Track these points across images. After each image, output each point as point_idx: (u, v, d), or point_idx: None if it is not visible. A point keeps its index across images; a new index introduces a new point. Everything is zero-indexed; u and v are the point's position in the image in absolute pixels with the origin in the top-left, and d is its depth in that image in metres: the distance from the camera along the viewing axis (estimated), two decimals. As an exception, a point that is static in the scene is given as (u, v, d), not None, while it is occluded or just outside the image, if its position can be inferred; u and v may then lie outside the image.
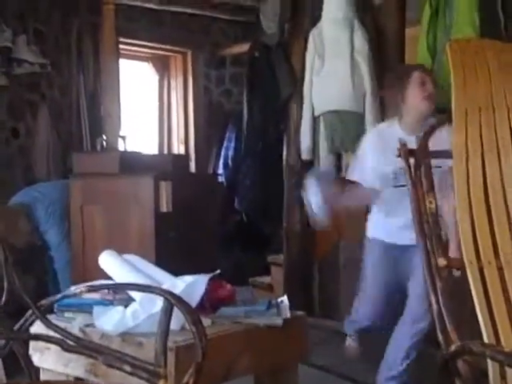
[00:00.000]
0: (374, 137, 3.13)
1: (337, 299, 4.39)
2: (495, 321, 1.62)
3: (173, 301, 1.83)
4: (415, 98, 2.94)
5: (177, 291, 1.98)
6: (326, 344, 3.87)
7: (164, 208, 3.38)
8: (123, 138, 4.89)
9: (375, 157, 3.00)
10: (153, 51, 5.68)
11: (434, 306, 1.59)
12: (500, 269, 1.73)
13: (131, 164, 3.49)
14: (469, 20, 3.38)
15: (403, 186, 2.50)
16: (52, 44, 4.85)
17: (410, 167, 1.71)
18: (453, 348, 1.22)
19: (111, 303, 2.21)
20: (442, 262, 1.64)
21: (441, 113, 3.56)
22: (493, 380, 1.51)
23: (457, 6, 3.41)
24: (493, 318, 1.63)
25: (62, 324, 2.08)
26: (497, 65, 1.91)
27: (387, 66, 4.11)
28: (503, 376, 1.52)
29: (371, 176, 3.01)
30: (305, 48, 4.28)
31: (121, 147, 4.80)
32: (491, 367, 1.50)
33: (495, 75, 1.90)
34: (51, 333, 2.02)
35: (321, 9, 4.12)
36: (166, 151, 5.77)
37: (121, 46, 5.04)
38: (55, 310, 2.22)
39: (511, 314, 1.66)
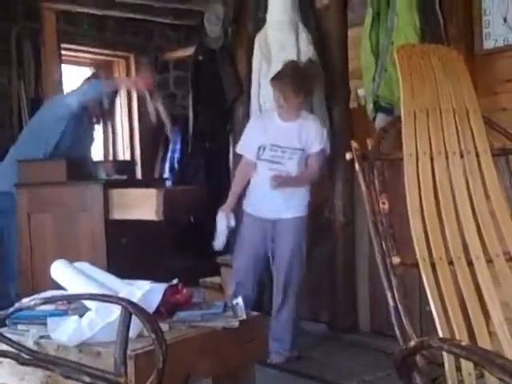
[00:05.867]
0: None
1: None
2: (448, 314, 1.68)
3: (131, 309, 1.82)
4: None
5: (134, 299, 1.97)
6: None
7: (114, 215, 3.35)
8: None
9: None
10: (95, 56, 5.61)
11: (391, 303, 1.63)
12: (450, 263, 1.79)
13: (78, 171, 3.45)
14: (409, 21, 3.45)
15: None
16: (-10, 51, 4.74)
17: (363, 170, 1.75)
18: (412, 344, 1.25)
19: (65, 313, 2.18)
20: (396, 260, 1.69)
21: (385, 112, 3.66)
22: (449, 372, 1.57)
23: (398, 8, 3.48)
24: (446, 312, 1.68)
25: (15, 337, 2.03)
26: (441, 69, 1.97)
27: (331, 67, 4.17)
28: (458, 368, 1.58)
29: None
30: (249, 50, 4.30)
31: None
32: (447, 360, 1.56)
33: (441, 79, 1.96)
34: (4, 346, 1.98)
35: (264, 12, 4.14)
36: (111, 157, 5.70)
37: (62, 52, 4.95)
38: (7, 323, 2.17)
39: (462, 307, 1.72)
